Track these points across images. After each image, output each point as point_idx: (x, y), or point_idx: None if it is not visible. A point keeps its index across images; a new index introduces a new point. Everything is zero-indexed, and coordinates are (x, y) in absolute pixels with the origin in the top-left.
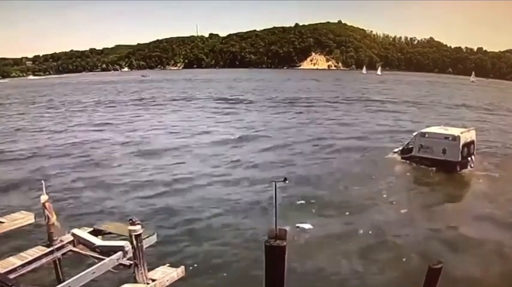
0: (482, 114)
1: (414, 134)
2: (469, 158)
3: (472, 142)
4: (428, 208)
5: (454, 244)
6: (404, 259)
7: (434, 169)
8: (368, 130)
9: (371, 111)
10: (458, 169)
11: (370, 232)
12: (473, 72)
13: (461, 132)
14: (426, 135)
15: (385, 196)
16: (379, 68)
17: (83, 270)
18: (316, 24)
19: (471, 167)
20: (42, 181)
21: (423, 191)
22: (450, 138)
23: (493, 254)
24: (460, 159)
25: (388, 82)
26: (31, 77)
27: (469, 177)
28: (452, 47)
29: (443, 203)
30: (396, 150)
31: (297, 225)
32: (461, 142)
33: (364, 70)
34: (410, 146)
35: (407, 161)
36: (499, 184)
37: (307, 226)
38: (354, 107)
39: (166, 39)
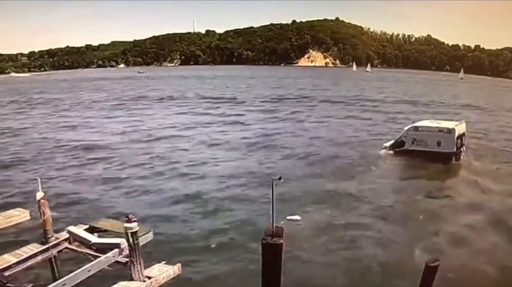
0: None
1: (406, 128)
2: (461, 149)
3: (463, 134)
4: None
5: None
6: None
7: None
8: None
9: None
10: (453, 160)
11: None
12: (462, 70)
13: (456, 125)
14: (419, 129)
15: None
16: (369, 65)
17: (79, 267)
18: (314, 21)
19: (462, 157)
20: (38, 178)
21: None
22: (445, 131)
23: None
24: (455, 150)
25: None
26: (14, 74)
27: (465, 165)
28: (450, 44)
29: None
30: (386, 145)
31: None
32: (456, 134)
33: (354, 68)
34: (400, 140)
35: (400, 155)
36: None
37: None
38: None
39: (162, 35)
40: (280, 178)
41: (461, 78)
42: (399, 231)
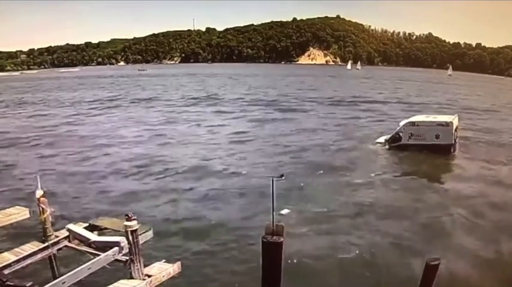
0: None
1: (401, 124)
2: (456, 141)
3: (457, 127)
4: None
5: None
6: None
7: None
8: None
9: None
10: (452, 151)
11: None
12: (450, 66)
13: (453, 119)
14: (416, 124)
15: None
16: (358, 63)
17: (79, 266)
18: (314, 18)
19: (457, 148)
20: (37, 176)
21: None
22: (444, 124)
23: None
24: (453, 142)
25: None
26: None
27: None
28: (451, 42)
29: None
30: (379, 140)
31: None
32: (454, 127)
33: (348, 66)
34: (396, 136)
35: (398, 149)
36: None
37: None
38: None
39: (162, 33)
40: (282, 176)
41: (450, 75)
42: None
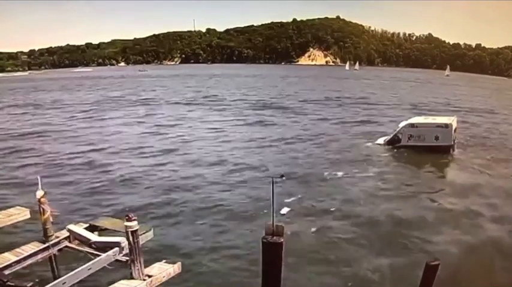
0: None
1: (400, 125)
2: (455, 142)
3: (456, 128)
4: None
5: None
6: None
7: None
8: None
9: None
10: (452, 152)
11: None
12: (448, 67)
13: (452, 120)
14: (415, 126)
15: None
16: (357, 64)
17: (79, 266)
18: (314, 19)
19: (456, 148)
20: (38, 177)
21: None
22: (443, 126)
23: None
24: (452, 143)
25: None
26: None
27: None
28: (451, 43)
29: None
30: (379, 142)
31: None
32: (453, 128)
33: (347, 66)
34: (395, 137)
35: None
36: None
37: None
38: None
39: (163, 34)
40: (282, 176)
41: (448, 75)
42: None
